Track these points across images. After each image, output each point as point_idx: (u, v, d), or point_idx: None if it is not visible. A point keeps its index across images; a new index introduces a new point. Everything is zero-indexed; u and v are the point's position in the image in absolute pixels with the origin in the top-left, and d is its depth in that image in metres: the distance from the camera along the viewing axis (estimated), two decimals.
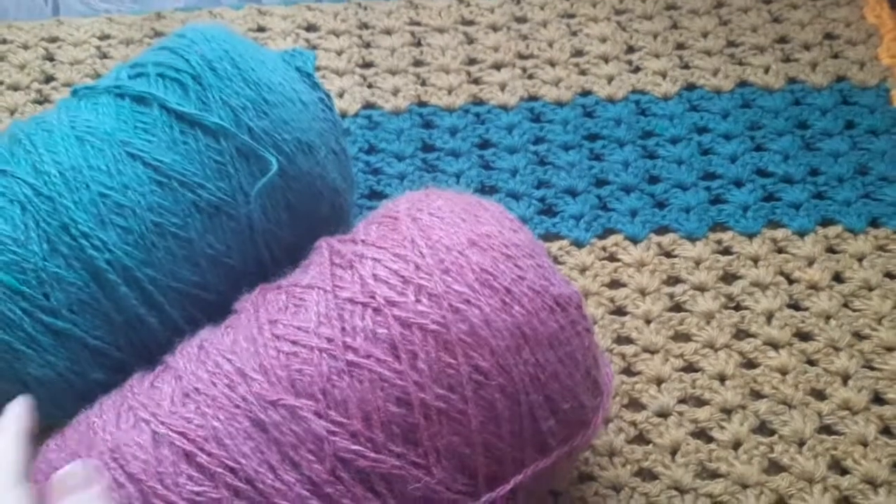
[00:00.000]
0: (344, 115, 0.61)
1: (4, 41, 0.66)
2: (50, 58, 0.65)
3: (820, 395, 0.50)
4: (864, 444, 0.48)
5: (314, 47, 0.65)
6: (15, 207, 0.41)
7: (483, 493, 0.37)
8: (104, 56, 0.65)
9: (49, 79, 0.64)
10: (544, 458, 0.38)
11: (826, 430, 0.49)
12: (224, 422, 0.36)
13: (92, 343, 0.41)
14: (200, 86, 0.44)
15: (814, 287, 0.53)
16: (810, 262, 0.54)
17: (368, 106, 0.62)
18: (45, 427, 0.45)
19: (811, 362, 0.51)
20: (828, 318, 0.52)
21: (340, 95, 0.62)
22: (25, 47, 0.66)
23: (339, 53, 0.64)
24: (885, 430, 0.49)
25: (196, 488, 0.35)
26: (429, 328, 0.36)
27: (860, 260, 0.54)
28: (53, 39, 0.66)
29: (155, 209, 0.42)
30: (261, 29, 0.66)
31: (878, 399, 0.50)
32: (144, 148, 0.43)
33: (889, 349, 0.51)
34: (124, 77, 0.46)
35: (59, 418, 0.42)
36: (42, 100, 0.63)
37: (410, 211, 0.40)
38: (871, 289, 0.53)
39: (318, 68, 0.64)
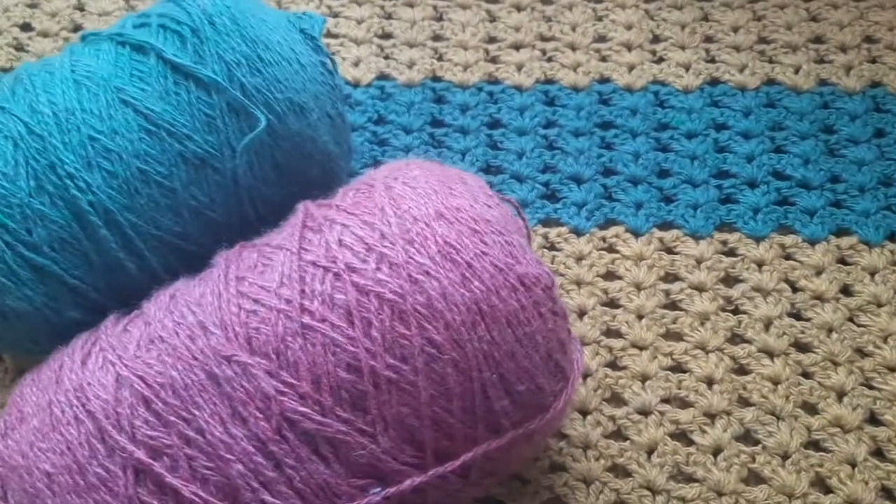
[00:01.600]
0: (357, 85, 0.61)
1: None
2: (80, 8, 0.67)
3: (812, 410, 0.48)
4: (853, 465, 0.46)
5: (336, 14, 0.65)
6: (8, 143, 0.42)
7: (431, 466, 0.36)
8: (132, 9, 0.66)
9: (77, 28, 0.65)
10: (497, 438, 0.37)
11: (814, 445, 0.47)
12: (181, 372, 0.36)
13: (70, 282, 0.42)
14: (198, 39, 0.45)
15: (819, 298, 0.51)
16: (818, 272, 0.52)
17: (382, 77, 0.62)
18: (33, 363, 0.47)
19: (806, 374, 0.49)
20: (830, 330, 0.50)
21: (356, 64, 0.62)
22: None
23: (360, 22, 0.64)
24: (877, 452, 0.47)
25: (150, 432, 0.36)
26: (385, 297, 0.36)
27: (872, 274, 0.52)
28: None
29: (141, 156, 0.43)
30: None
31: (873, 419, 0.48)
32: (137, 96, 0.43)
33: (891, 369, 0.49)
34: (129, 26, 0.47)
35: (35, 353, 0.43)
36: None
37: (387, 179, 0.40)
38: (880, 305, 0.51)
39: (336, 36, 0.64)
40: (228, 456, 0.35)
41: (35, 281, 0.41)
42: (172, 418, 0.36)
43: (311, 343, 0.36)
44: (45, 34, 0.65)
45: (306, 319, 0.36)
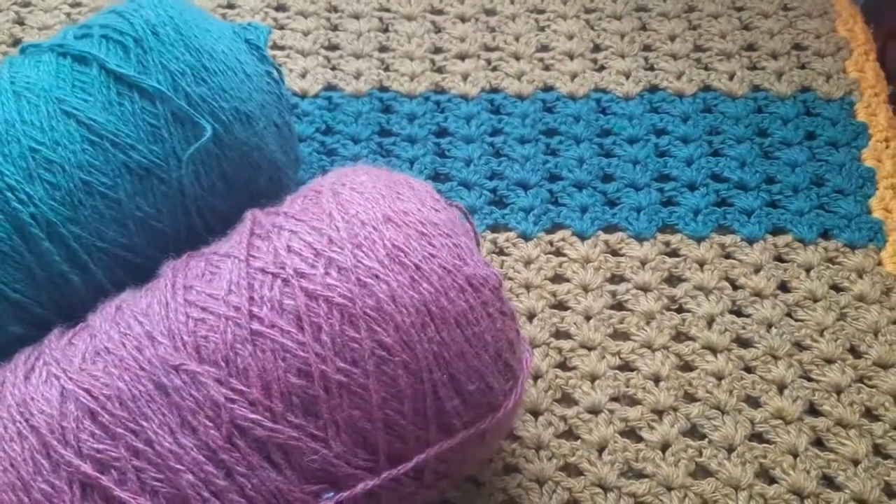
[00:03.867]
0: (304, 96, 0.61)
1: None
2: (20, 21, 0.65)
3: (754, 403, 0.49)
4: (795, 455, 0.47)
5: (282, 27, 0.65)
6: None
7: (384, 469, 0.36)
8: (73, 22, 0.65)
9: (17, 42, 0.64)
10: (450, 438, 0.37)
11: (757, 437, 0.48)
12: (128, 383, 0.36)
13: (12, 296, 0.41)
14: (142, 49, 0.44)
15: (758, 294, 0.53)
16: (757, 270, 0.54)
17: (330, 88, 0.62)
18: None
19: (748, 369, 0.50)
20: (769, 326, 0.52)
21: (303, 76, 0.62)
22: None
23: (306, 34, 0.64)
24: (817, 442, 0.48)
25: (97, 445, 0.35)
26: (335, 301, 0.36)
27: (808, 271, 0.54)
28: (26, 4, 0.67)
29: (85, 167, 0.42)
30: (230, 6, 0.66)
31: (812, 410, 0.49)
32: (79, 106, 0.43)
33: (828, 361, 0.50)
34: (70, 37, 0.46)
35: None
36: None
37: (334, 185, 0.40)
38: (815, 300, 0.53)
39: (282, 48, 0.64)
40: (178, 466, 0.35)
41: None
42: (120, 430, 0.35)
43: (261, 349, 0.36)
44: None
45: (255, 326, 0.36)
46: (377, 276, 0.36)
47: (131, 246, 0.43)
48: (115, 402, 0.36)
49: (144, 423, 0.35)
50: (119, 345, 0.37)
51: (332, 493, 0.36)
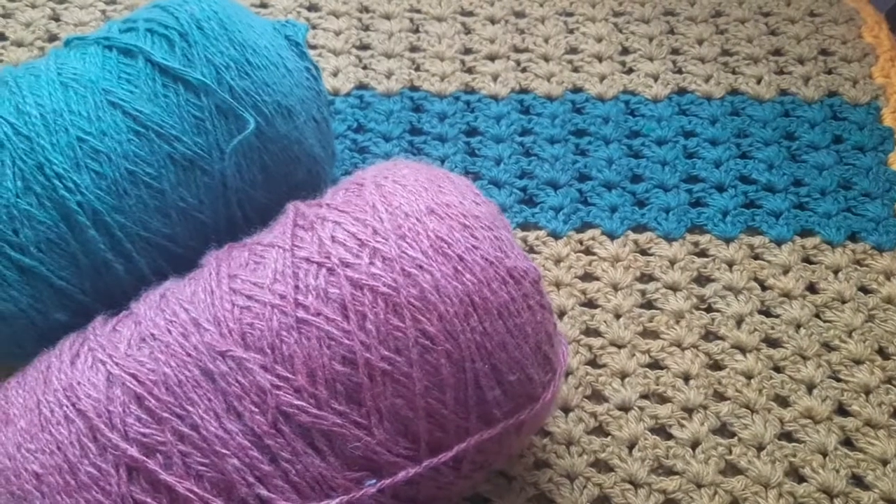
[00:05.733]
0: (336, 94, 0.61)
1: None
2: (56, 18, 0.66)
3: (783, 402, 0.49)
4: (824, 454, 0.47)
5: (314, 26, 0.65)
6: None
7: (425, 458, 0.37)
8: (109, 19, 0.66)
9: (53, 38, 0.65)
10: (489, 428, 0.37)
11: (786, 436, 0.48)
12: (175, 368, 0.36)
13: (57, 283, 0.42)
14: (187, 43, 0.45)
15: (786, 295, 0.53)
16: (785, 271, 0.54)
17: (361, 86, 0.62)
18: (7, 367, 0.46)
19: (777, 369, 0.50)
20: (798, 326, 0.52)
21: (335, 74, 0.63)
22: (33, 6, 0.66)
23: (338, 34, 0.65)
24: (846, 442, 0.48)
25: (143, 430, 0.36)
26: (379, 290, 0.36)
27: (836, 272, 0.54)
28: (61, 0, 0.67)
29: (130, 157, 0.42)
30: (263, 5, 0.67)
31: (841, 410, 0.49)
32: (126, 98, 0.43)
33: (857, 362, 0.51)
34: (115, 30, 0.47)
35: (19, 357, 0.42)
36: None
37: (376, 178, 0.40)
38: (844, 301, 0.53)
39: (314, 47, 0.64)
40: (223, 451, 0.35)
41: (21, 282, 0.41)
42: (166, 415, 0.35)
43: (307, 337, 0.36)
44: (19, 44, 0.64)
45: (301, 314, 0.36)
46: (421, 267, 0.37)
47: (173, 236, 0.44)
48: (161, 387, 0.36)
49: (190, 408, 0.36)
50: (165, 331, 0.37)
51: (373, 481, 0.36)
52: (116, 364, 0.37)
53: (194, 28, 0.45)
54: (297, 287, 0.37)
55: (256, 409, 0.35)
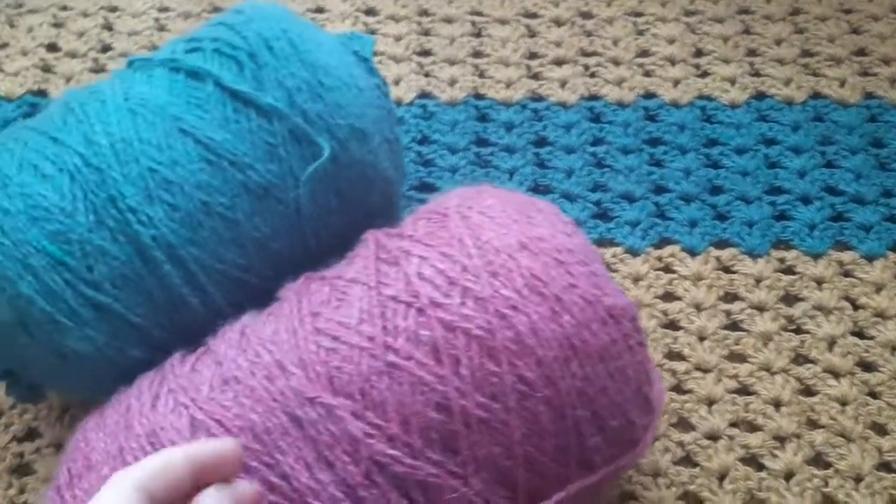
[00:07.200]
0: (398, 104, 0.59)
1: (65, 7, 0.65)
2: (108, 27, 0.65)
3: (881, 430, 0.47)
4: None
5: (372, 32, 0.63)
6: (64, 176, 0.40)
7: None
8: (162, 28, 0.64)
9: (106, 48, 0.64)
10: (589, 475, 0.36)
11: (886, 467, 0.46)
12: (261, 414, 0.34)
13: (133, 319, 0.40)
14: (256, 64, 0.43)
15: (881, 315, 0.50)
16: (878, 289, 0.51)
17: (424, 95, 0.60)
18: (82, 403, 0.45)
19: (873, 394, 0.48)
20: (894, 349, 0.49)
21: (396, 83, 0.60)
22: (85, 15, 0.65)
23: (398, 39, 0.63)
24: None
25: None
26: (473, 333, 0.34)
27: None
28: (113, 9, 0.66)
29: (203, 187, 0.41)
30: (319, 10, 0.65)
31: None
32: (196, 124, 0.41)
33: None
34: (180, 51, 0.45)
35: (95, 394, 0.41)
36: (98, 69, 0.62)
37: (460, 208, 0.38)
38: None
39: (374, 53, 0.62)
40: (315, 503, 0.33)
41: (97, 320, 0.40)
42: (254, 464, 0.34)
43: (398, 382, 0.34)
44: (72, 55, 0.63)
45: (391, 357, 0.34)
46: (516, 308, 0.35)
47: (248, 267, 0.42)
48: (248, 434, 0.35)
49: (280, 457, 0.34)
50: (248, 374, 0.36)
51: None
52: (200, 409, 0.36)
53: (263, 48, 0.43)
54: (385, 328, 0.35)
55: (348, 459, 0.34)
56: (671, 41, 0.62)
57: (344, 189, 0.44)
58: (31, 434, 0.47)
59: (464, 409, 0.34)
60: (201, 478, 0.31)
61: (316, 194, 0.43)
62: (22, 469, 0.46)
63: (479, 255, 0.36)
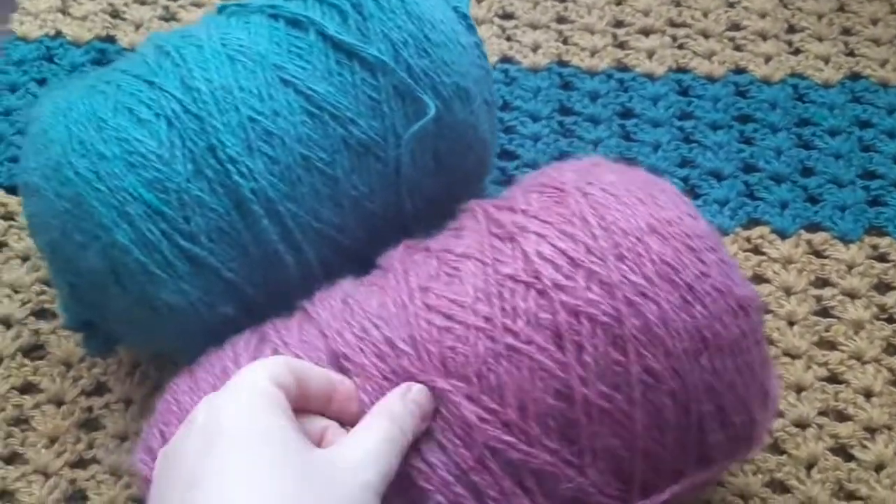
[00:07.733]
0: None
1: None
2: None
3: None
4: None
5: None
6: (161, 122, 0.35)
7: (636, 500, 0.30)
8: None
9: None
10: (705, 470, 0.31)
11: None
12: (371, 394, 0.30)
13: (227, 275, 0.35)
14: (360, 15, 0.37)
15: None
16: None
17: (506, 59, 0.54)
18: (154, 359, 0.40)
19: None
20: None
21: None
22: None
23: (480, 1, 0.56)
24: None
25: None
26: (599, 319, 0.29)
27: None
28: None
29: (304, 141, 0.35)
30: None
31: None
32: (298, 74, 0.36)
33: None
34: None
35: (181, 350, 0.37)
36: (168, 16, 0.56)
37: (578, 183, 0.33)
38: None
39: None
40: (426, 486, 0.29)
41: (191, 273, 0.35)
42: None
43: (517, 367, 0.29)
44: (142, 1, 0.57)
45: (510, 340, 0.29)
46: (645, 295, 0.29)
47: (343, 226, 0.37)
48: None
49: None
50: (357, 350, 0.31)
51: None
52: None
53: None
54: (503, 309, 0.30)
55: (460, 442, 0.29)
56: (763, 15, 0.55)
57: (443, 151, 0.38)
58: (99, 388, 0.42)
59: (585, 399, 0.29)
60: (328, 405, 0.29)
61: (415, 155, 0.37)
62: (90, 423, 0.41)
63: (604, 236, 0.31)
